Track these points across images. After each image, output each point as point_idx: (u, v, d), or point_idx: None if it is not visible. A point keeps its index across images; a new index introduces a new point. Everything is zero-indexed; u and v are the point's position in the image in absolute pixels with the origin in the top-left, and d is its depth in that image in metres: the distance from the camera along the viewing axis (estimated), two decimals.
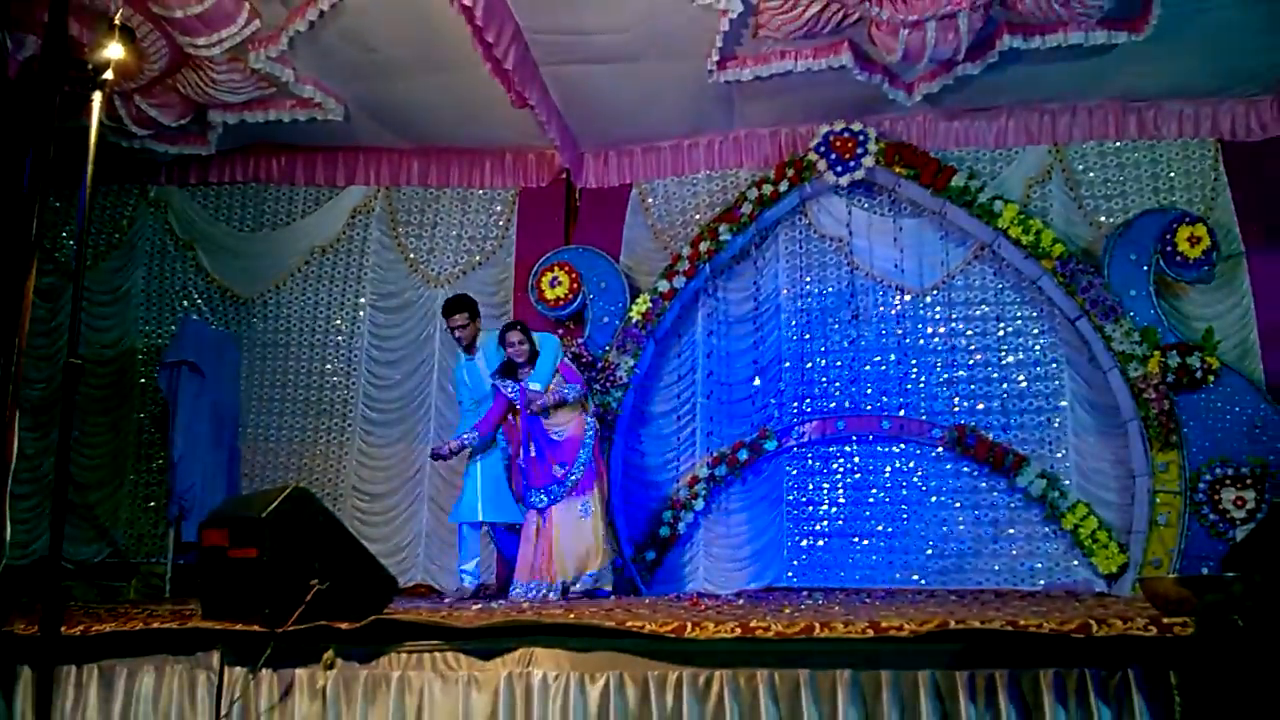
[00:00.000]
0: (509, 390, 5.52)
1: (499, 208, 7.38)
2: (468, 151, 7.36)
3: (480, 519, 5.64)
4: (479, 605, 4.62)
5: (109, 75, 3.77)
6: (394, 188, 7.45)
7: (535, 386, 5.44)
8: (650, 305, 6.69)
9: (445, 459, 5.67)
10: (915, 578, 6.41)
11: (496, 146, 7.30)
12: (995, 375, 6.60)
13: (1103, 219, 6.58)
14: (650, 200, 7.23)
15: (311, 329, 7.31)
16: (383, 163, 7.41)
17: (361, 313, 7.30)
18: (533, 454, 5.49)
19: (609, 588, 5.41)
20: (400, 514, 6.97)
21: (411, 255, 7.37)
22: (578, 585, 5.31)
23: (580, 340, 6.69)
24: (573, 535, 5.35)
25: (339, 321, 7.32)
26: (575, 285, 6.80)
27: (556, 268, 6.84)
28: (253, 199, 7.49)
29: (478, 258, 7.31)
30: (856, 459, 6.69)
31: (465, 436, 5.61)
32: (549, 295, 6.82)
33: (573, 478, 5.38)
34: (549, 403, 5.43)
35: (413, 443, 7.03)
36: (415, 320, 7.26)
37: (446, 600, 5.27)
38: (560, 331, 6.87)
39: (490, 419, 5.59)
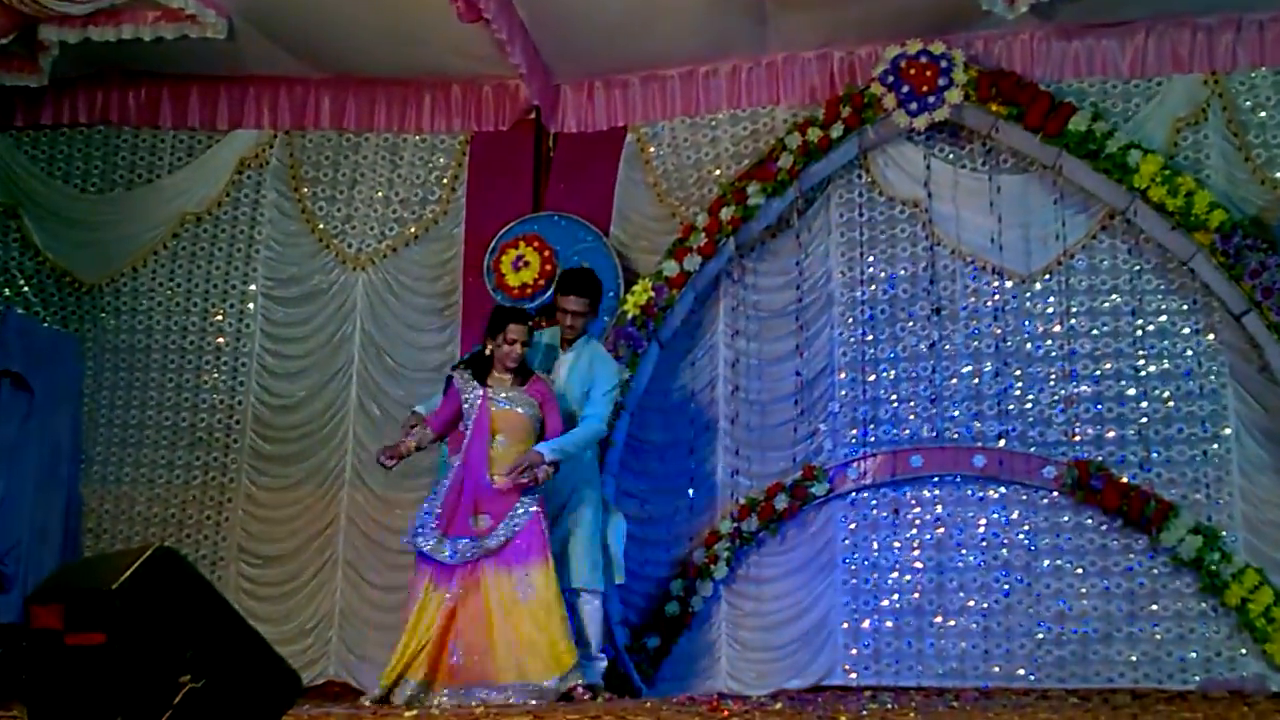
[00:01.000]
0: (469, 397, 5.43)
1: (442, 160, 7.38)
2: (400, 83, 7.35)
3: None
4: (415, 712, 4.56)
5: None
6: (297, 132, 7.45)
7: (547, 454, 5.33)
8: (652, 295, 6.68)
9: (399, 459, 5.58)
10: (1021, 672, 6.38)
11: (439, 76, 7.29)
12: (1131, 392, 6.58)
13: (1279, 175, 6.57)
14: (652, 150, 7.23)
15: (182, 327, 7.30)
16: (281, 98, 7.41)
17: (251, 304, 7.29)
18: (460, 484, 5.40)
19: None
20: (305, 585, 6.96)
21: (321, 225, 7.36)
22: (513, 696, 5.09)
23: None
24: (504, 623, 5.21)
25: (220, 317, 7.31)
26: (548, 267, 6.80)
27: (522, 243, 6.83)
28: (100, 148, 7.49)
29: (413, 229, 7.31)
30: (939, 508, 6.67)
31: (421, 431, 5.58)
32: (511, 281, 6.81)
33: (493, 541, 5.27)
34: (548, 475, 5.35)
35: (323, 485, 7.02)
36: (327, 315, 7.26)
37: (368, 701, 5.24)
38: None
39: (442, 422, 5.57)
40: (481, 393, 5.42)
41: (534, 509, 5.33)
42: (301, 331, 7.26)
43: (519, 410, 5.43)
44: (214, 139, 7.47)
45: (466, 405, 5.44)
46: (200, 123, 7.44)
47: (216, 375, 7.24)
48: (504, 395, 5.44)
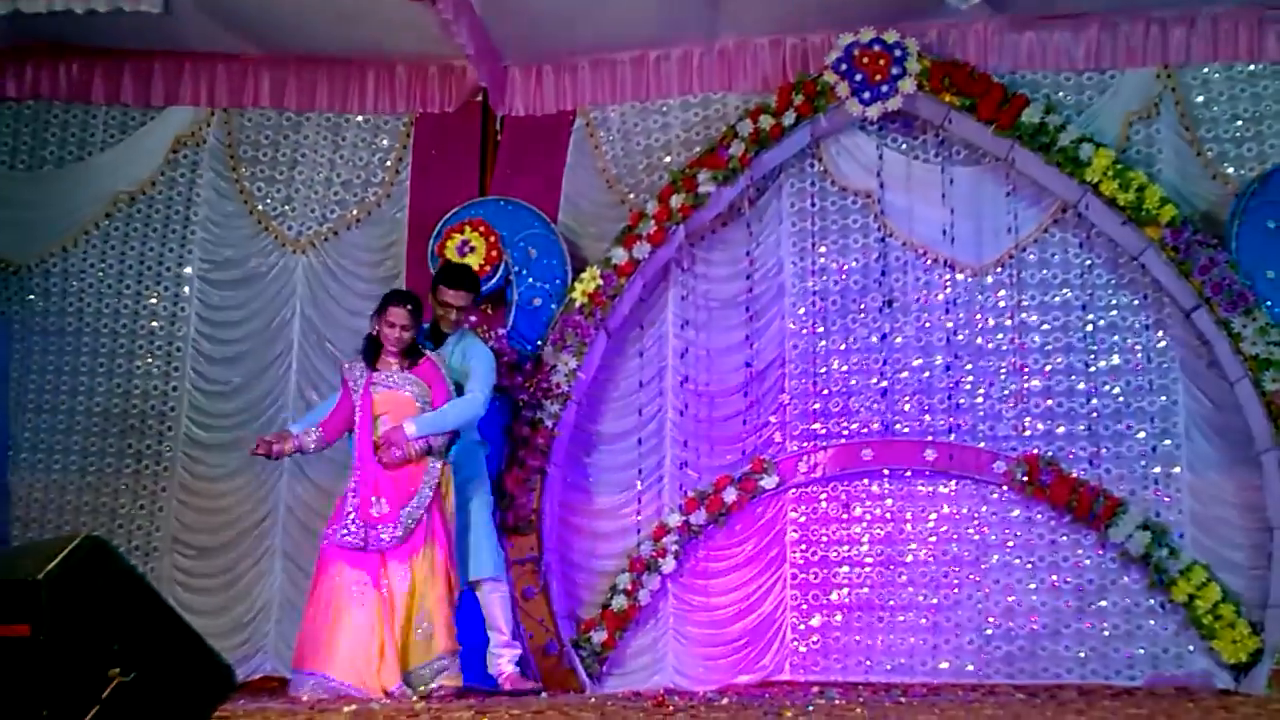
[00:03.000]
0: (355, 382, 5.50)
1: (386, 141, 7.34)
2: (343, 62, 7.29)
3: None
4: (354, 707, 4.53)
5: None
6: (235, 110, 7.37)
7: (411, 429, 5.38)
8: (601, 283, 6.65)
9: (272, 457, 5.66)
10: (969, 668, 6.43)
11: (384, 56, 7.24)
12: (1081, 387, 6.65)
13: (1230, 170, 6.66)
14: (601, 134, 7.21)
15: (115, 311, 7.20)
16: (219, 75, 7.33)
17: (187, 288, 7.20)
18: (358, 471, 5.44)
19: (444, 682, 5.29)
20: (242, 577, 6.91)
21: (260, 207, 7.29)
22: (394, 687, 5.15)
23: (501, 331, 6.65)
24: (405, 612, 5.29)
25: (155, 300, 7.21)
26: (494, 253, 6.76)
27: (468, 227, 6.79)
28: (30, 124, 7.37)
29: (355, 212, 7.26)
30: (888, 502, 6.71)
31: (309, 433, 5.62)
32: None
33: (398, 531, 5.29)
34: (412, 453, 5.38)
35: (260, 474, 6.94)
36: (265, 300, 7.19)
37: (305, 699, 5.18)
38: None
39: (335, 421, 5.61)
40: (367, 376, 5.47)
41: (424, 504, 5.36)
42: (239, 315, 7.18)
43: (404, 392, 5.49)
44: (149, 116, 7.37)
45: (353, 390, 5.51)
46: (134, 99, 7.34)
47: (150, 360, 7.15)
48: (389, 377, 5.50)
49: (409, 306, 5.50)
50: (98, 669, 3.36)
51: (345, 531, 5.32)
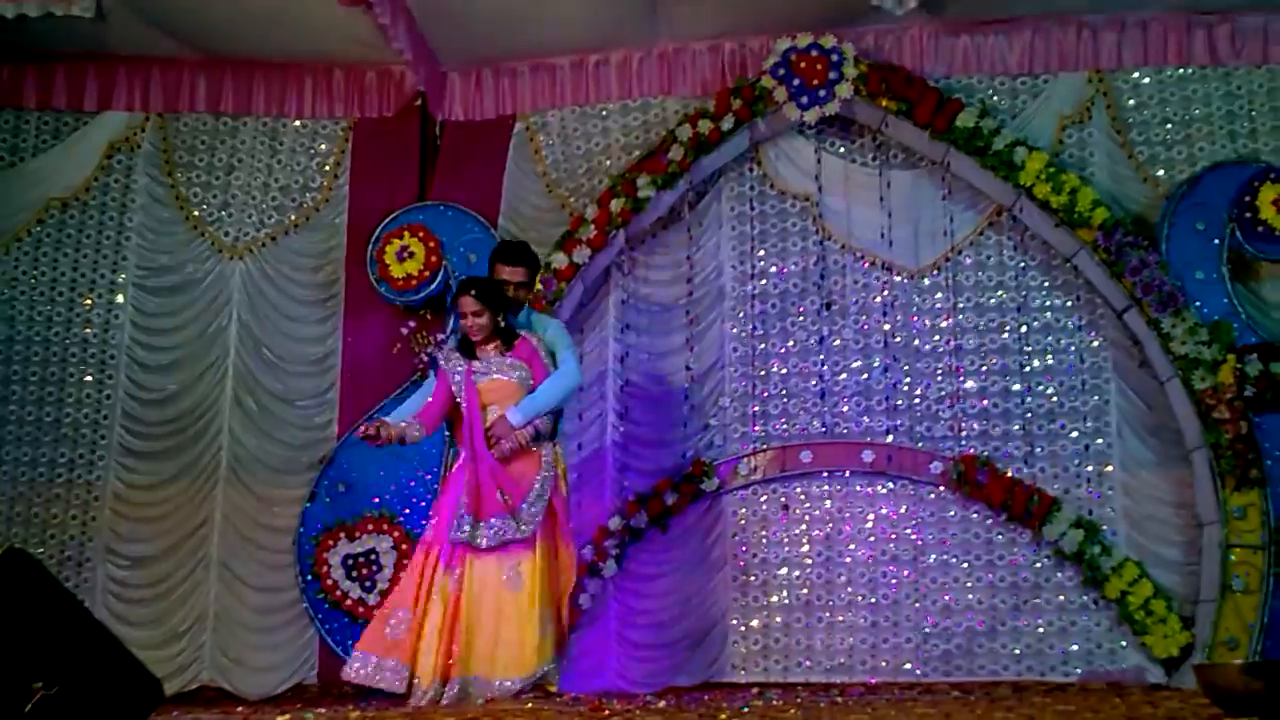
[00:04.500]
0: (455, 375, 5.28)
1: (324, 146, 7.32)
2: (280, 66, 7.26)
3: None
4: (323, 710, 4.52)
5: None
6: (171, 115, 7.33)
7: (516, 418, 5.16)
8: (541, 288, 6.65)
9: (377, 442, 5.27)
10: (907, 666, 6.50)
11: (322, 60, 7.22)
12: (1015, 387, 6.74)
13: (1160, 174, 6.77)
14: (541, 139, 7.22)
15: (47, 318, 7.13)
16: (154, 79, 7.28)
17: (121, 295, 7.15)
18: (473, 466, 5.20)
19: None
20: (177, 586, 6.84)
21: (196, 213, 7.24)
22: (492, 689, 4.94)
23: (440, 336, 6.63)
24: (493, 613, 5.06)
25: (89, 305, 7.15)
26: (434, 258, 6.75)
27: (407, 233, 6.77)
28: None
29: (293, 217, 7.23)
30: (827, 503, 6.77)
31: (411, 424, 5.31)
32: (396, 272, 6.75)
33: (524, 525, 5.10)
34: (523, 441, 5.19)
35: (196, 480, 6.91)
36: (201, 306, 7.15)
37: (240, 710, 5.16)
38: (411, 324, 6.80)
39: (433, 411, 5.38)
40: (465, 367, 5.31)
41: (546, 492, 5.20)
42: (174, 322, 7.12)
43: (506, 377, 5.28)
44: (82, 121, 7.29)
45: (454, 385, 5.33)
46: (67, 104, 7.26)
47: (84, 368, 7.07)
48: (489, 364, 5.31)
49: (472, 293, 5.29)
50: (21, 681, 3.34)
51: (459, 530, 5.08)
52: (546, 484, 5.23)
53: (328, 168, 7.28)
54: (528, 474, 5.21)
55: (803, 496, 6.79)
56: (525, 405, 5.21)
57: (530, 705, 4.60)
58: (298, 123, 7.34)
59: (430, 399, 5.41)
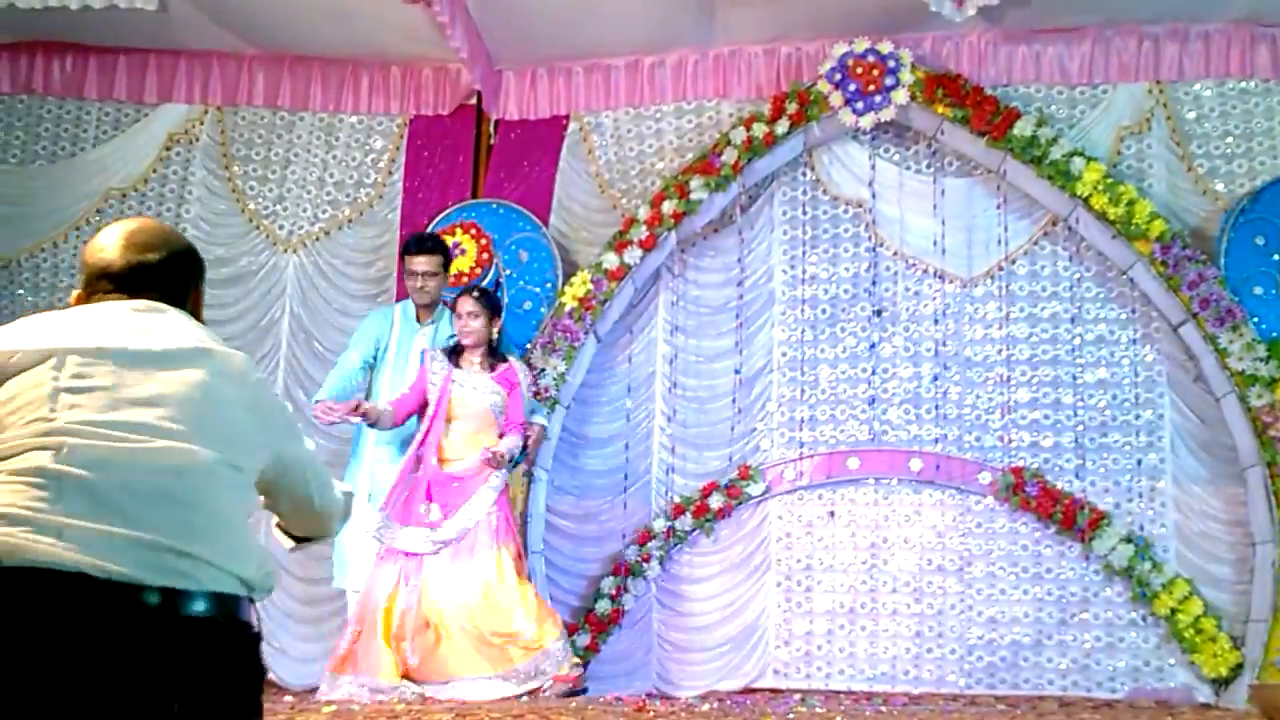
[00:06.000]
0: (435, 376, 5.40)
1: (379, 142, 7.36)
2: (338, 62, 7.31)
3: None
4: (334, 708, 4.55)
5: None
6: (229, 109, 7.39)
7: (541, 421, 5.45)
8: (591, 287, 6.68)
9: (355, 417, 5.45)
10: (950, 677, 6.47)
11: (379, 57, 7.26)
12: (1067, 399, 6.69)
13: (1220, 187, 6.71)
14: (594, 139, 7.24)
15: None
16: (214, 73, 7.34)
17: None
18: (413, 467, 5.38)
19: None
20: None
21: (252, 206, 7.30)
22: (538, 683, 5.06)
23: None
24: (457, 618, 5.19)
25: None
26: (485, 255, 6.78)
27: (459, 230, 6.80)
28: (23, 118, 7.38)
29: (348, 212, 7.27)
30: (874, 510, 6.74)
31: (386, 410, 5.43)
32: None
33: (444, 534, 5.24)
34: (531, 448, 5.46)
35: None
36: (255, 299, 7.21)
37: (286, 699, 5.19)
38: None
39: (407, 404, 5.49)
40: (447, 373, 5.36)
41: (494, 498, 5.31)
42: (228, 314, 7.17)
43: (482, 400, 5.40)
44: (142, 113, 7.38)
45: (431, 385, 5.38)
46: (128, 96, 7.35)
47: None
48: (471, 379, 5.40)
49: (474, 294, 5.57)
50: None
51: (382, 529, 5.22)
52: (486, 499, 5.32)
53: (382, 164, 7.33)
54: (463, 491, 5.31)
55: (849, 503, 6.77)
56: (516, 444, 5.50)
57: (574, 705, 4.62)
58: (354, 118, 7.39)
59: (407, 391, 5.52)
